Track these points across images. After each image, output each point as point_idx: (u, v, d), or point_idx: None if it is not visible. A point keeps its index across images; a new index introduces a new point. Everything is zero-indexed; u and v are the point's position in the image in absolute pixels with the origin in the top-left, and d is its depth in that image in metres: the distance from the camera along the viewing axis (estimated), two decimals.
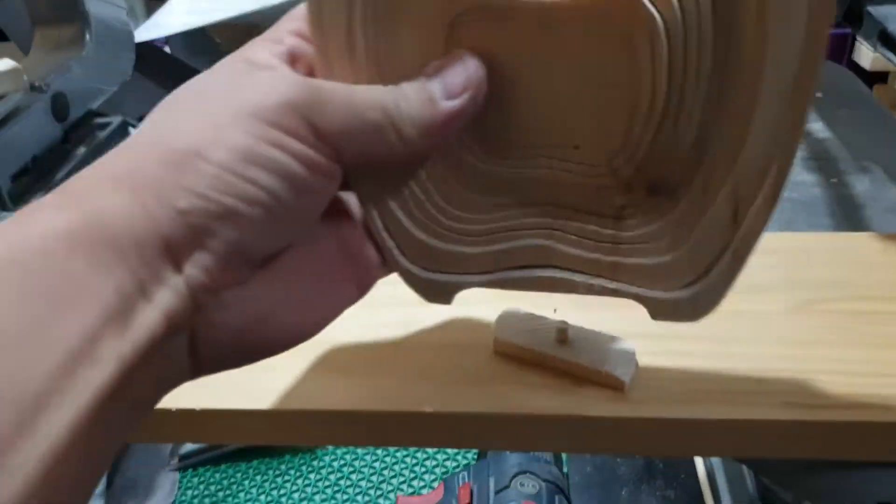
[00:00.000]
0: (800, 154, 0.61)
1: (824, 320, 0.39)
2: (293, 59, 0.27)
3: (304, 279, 0.27)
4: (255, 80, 0.25)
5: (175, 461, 0.74)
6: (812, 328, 0.38)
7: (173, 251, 0.22)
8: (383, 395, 0.35)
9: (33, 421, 0.19)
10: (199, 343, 0.24)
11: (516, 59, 0.27)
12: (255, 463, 0.73)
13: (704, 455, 0.37)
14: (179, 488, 0.71)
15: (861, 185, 0.56)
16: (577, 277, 0.30)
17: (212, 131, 0.23)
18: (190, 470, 0.73)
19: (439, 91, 0.26)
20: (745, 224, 0.27)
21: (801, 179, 0.57)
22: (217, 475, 0.72)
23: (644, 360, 0.36)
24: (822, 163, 0.59)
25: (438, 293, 0.31)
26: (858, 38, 1.18)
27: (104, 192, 0.22)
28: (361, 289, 0.30)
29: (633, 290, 0.30)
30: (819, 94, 0.69)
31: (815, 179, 0.57)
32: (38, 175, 0.92)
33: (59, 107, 0.96)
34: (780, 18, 0.23)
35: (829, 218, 0.52)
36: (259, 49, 0.27)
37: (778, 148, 0.26)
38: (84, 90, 1.02)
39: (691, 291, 0.29)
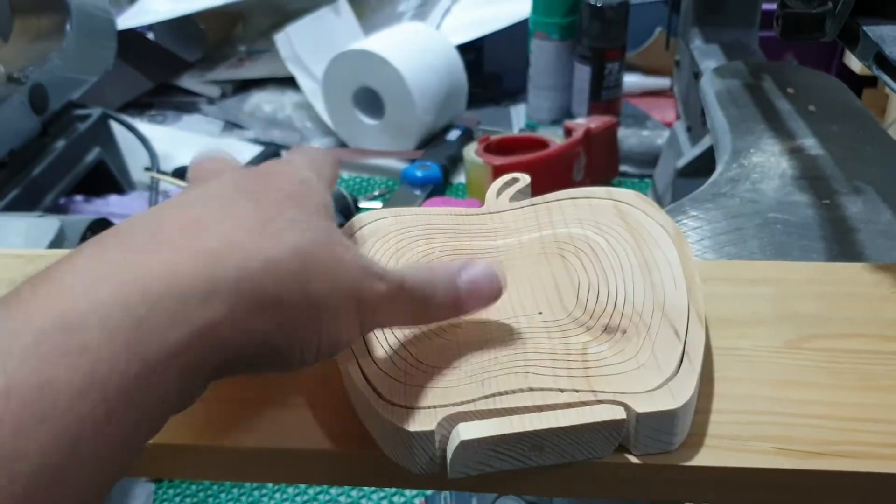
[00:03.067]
0: (791, 173, 0.60)
1: (818, 359, 0.38)
2: None
3: None
4: (348, 264, 0.28)
5: None
6: (805, 368, 0.37)
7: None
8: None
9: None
10: None
11: None
12: None
13: (690, 502, 0.37)
14: (154, 500, 0.70)
15: (854, 206, 0.55)
16: (554, 394, 0.33)
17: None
18: (166, 481, 0.72)
19: (465, 291, 0.33)
20: (688, 337, 0.35)
21: (794, 199, 0.56)
22: (193, 487, 0.71)
23: None
24: (814, 182, 0.58)
25: (422, 421, 0.32)
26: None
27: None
28: None
29: (612, 390, 0.33)
30: (812, 108, 0.68)
31: (808, 199, 0.56)
32: (15, 169, 0.90)
33: (37, 99, 0.94)
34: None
35: (821, 241, 0.52)
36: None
37: (691, 298, 0.37)
38: (64, 81, 1.00)
39: (665, 388, 0.33)
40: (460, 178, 1.13)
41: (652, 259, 0.39)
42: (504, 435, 0.30)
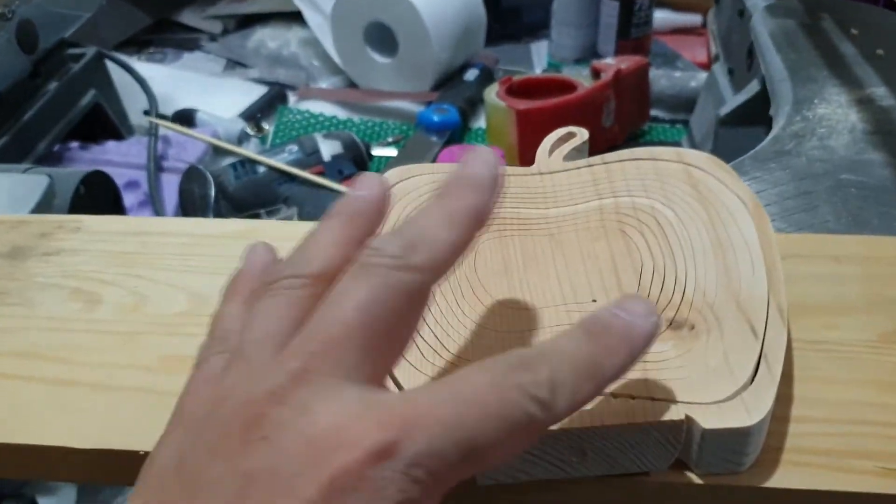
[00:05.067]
0: (862, 127, 0.54)
1: None
2: None
3: None
4: None
5: None
6: None
7: None
8: None
9: None
10: None
11: (538, 250, 0.35)
12: None
13: None
14: None
15: None
16: (604, 399, 0.28)
17: None
18: None
19: None
20: (767, 337, 0.30)
21: (867, 158, 0.50)
22: None
23: None
24: (889, 137, 0.52)
25: None
26: None
27: None
28: None
29: (674, 399, 0.28)
30: (880, 52, 0.61)
31: (883, 158, 0.50)
32: (4, 115, 0.83)
33: (26, 36, 0.87)
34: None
35: None
36: None
37: (771, 287, 0.32)
38: (54, 17, 0.93)
39: (738, 399, 0.28)
40: (480, 123, 1.06)
41: (727, 237, 0.34)
42: None
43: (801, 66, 0.59)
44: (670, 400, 0.28)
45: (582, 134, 0.41)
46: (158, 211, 0.81)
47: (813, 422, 0.31)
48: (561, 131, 0.41)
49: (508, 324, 0.32)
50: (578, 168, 0.39)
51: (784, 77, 0.59)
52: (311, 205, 0.81)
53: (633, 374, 0.28)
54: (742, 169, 0.49)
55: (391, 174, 0.40)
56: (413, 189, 0.39)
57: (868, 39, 0.63)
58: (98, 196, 0.66)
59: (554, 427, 0.26)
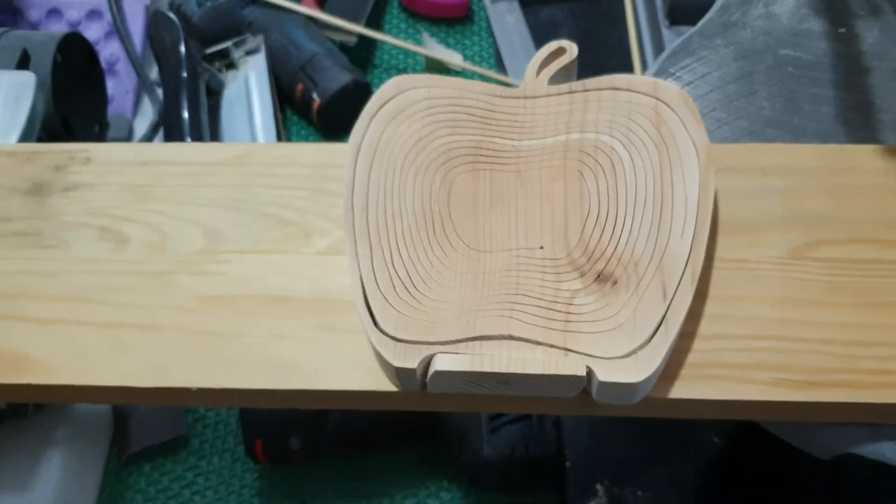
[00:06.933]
0: None
1: (821, 272, 0.38)
2: None
3: None
4: None
5: None
6: (808, 283, 0.37)
7: None
8: None
9: None
10: None
11: (505, 187, 0.38)
12: None
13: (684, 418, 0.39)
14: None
15: (870, 35, 0.53)
16: (531, 346, 0.34)
17: None
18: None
19: None
20: (674, 300, 0.34)
21: (808, 28, 0.53)
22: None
23: None
24: (831, 2, 0.54)
25: (405, 357, 0.34)
26: None
27: None
28: None
29: (583, 351, 0.33)
30: None
31: (822, 27, 0.53)
32: None
33: None
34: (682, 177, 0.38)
35: (832, 89, 0.50)
36: None
37: (693, 249, 0.35)
38: None
39: (633, 357, 0.33)
40: None
41: (670, 191, 0.37)
42: (473, 372, 0.33)
43: None
44: (580, 353, 0.33)
45: (571, 51, 0.41)
46: (126, 46, 0.81)
47: (723, 338, 0.36)
48: (552, 46, 0.41)
49: (468, 266, 0.36)
50: (560, 94, 0.40)
51: None
52: (277, 31, 0.81)
53: (557, 322, 0.34)
54: (690, 47, 0.52)
55: (388, 86, 0.40)
56: (408, 105, 0.40)
57: None
58: (74, 60, 0.67)
59: (486, 369, 0.33)
